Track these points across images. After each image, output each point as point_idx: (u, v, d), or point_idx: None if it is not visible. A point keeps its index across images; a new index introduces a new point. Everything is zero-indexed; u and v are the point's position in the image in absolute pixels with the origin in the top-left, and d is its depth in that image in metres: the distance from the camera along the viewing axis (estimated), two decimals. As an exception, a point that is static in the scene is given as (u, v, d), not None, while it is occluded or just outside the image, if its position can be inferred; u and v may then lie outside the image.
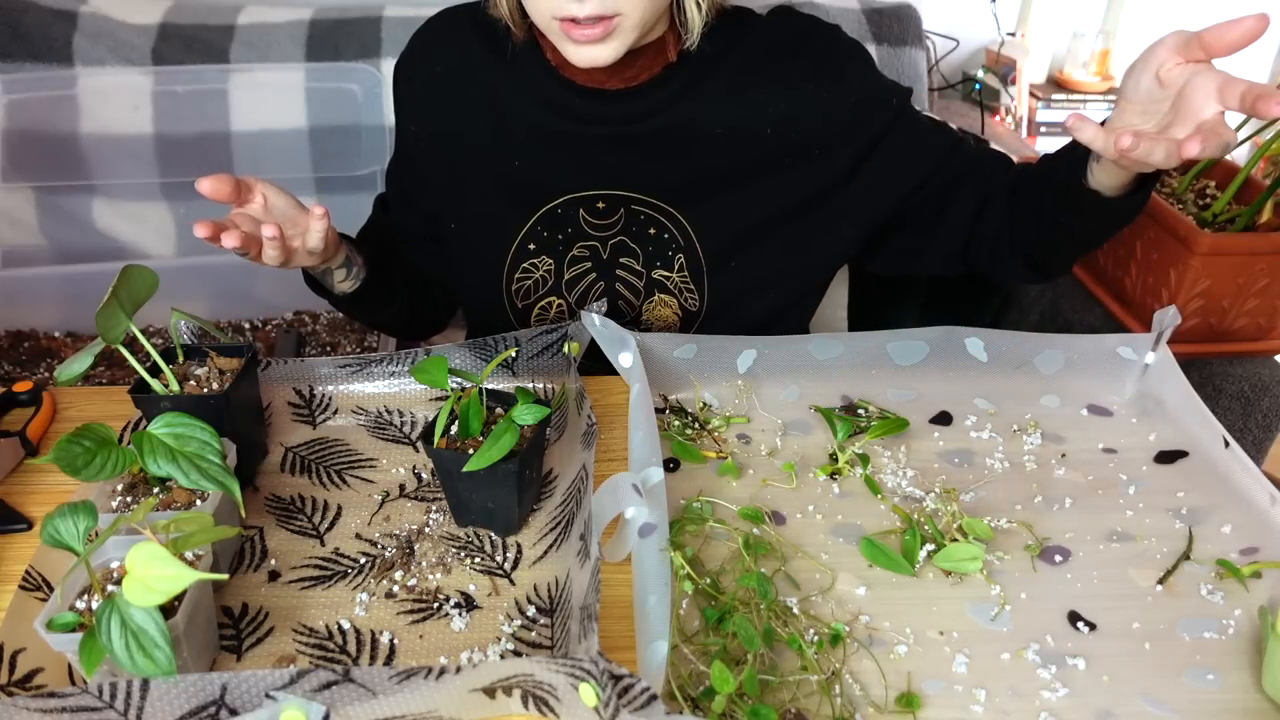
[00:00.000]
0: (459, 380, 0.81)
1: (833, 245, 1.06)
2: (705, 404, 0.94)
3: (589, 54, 0.88)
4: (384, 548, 0.77)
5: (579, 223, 1.02)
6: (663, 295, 1.04)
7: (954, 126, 1.05)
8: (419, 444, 0.88)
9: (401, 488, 0.84)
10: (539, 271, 1.03)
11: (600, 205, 1.01)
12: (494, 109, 1.01)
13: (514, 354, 0.91)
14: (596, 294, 1.04)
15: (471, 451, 0.74)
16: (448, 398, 0.78)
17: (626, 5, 0.85)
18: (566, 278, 1.04)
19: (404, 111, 1.07)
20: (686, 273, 1.02)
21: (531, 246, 1.02)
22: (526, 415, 0.76)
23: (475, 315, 1.18)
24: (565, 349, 0.92)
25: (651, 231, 1.01)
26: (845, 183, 1.01)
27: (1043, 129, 2.09)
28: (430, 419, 0.79)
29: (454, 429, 0.78)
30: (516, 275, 1.04)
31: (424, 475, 0.85)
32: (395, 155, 1.11)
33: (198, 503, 0.71)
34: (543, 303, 1.05)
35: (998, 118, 2.06)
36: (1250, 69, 2.22)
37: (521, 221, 1.02)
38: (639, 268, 1.03)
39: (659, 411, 0.91)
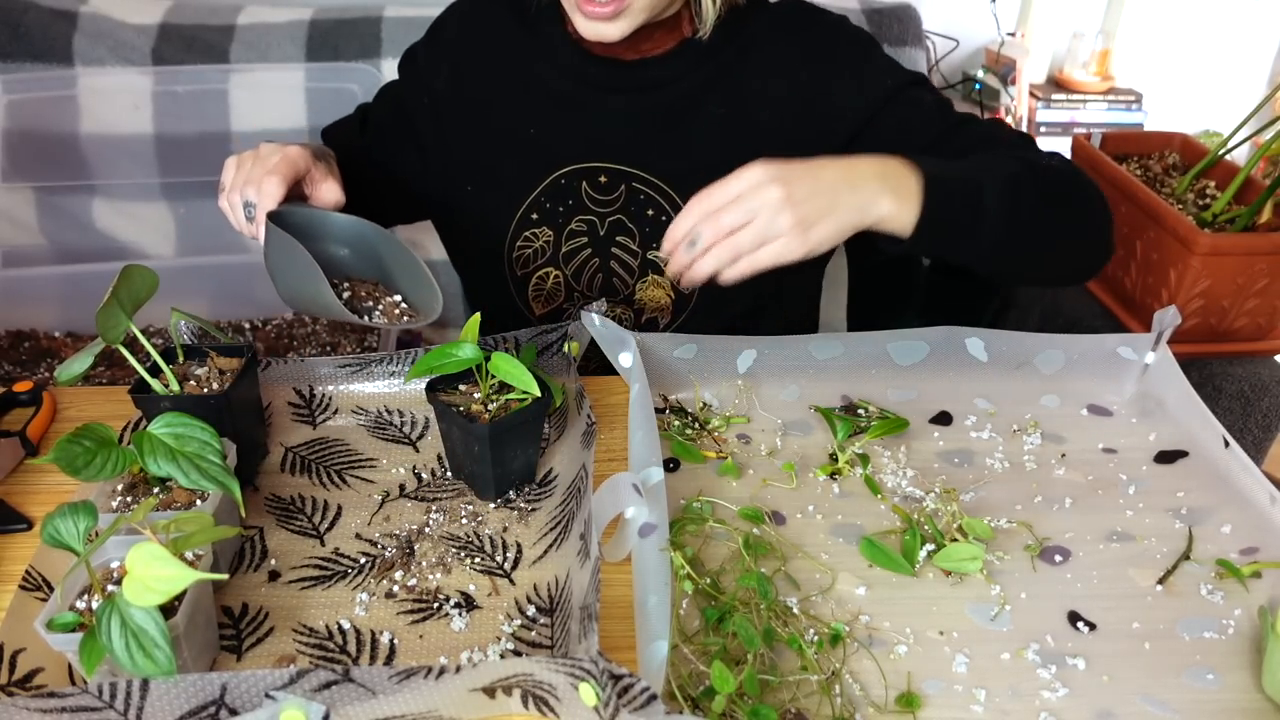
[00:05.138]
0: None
1: None
2: (705, 404, 0.94)
3: (596, 29, 0.91)
4: (384, 548, 0.77)
5: (580, 196, 1.03)
6: (656, 276, 1.05)
7: (968, 112, 1.01)
8: (418, 442, 0.88)
9: (401, 488, 0.84)
10: (538, 242, 1.06)
11: (603, 180, 1.03)
12: (518, 77, 1.04)
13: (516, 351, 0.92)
14: (591, 269, 1.06)
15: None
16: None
17: None
18: (564, 250, 1.05)
19: (430, 69, 1.08)
20: None
21: (534, 216, 1.05)
22: (515, 375, 0.77)
23: (476, 281, 1.19)
24: (565, 349, 0.92)
25: (650, 212, 1.02)
26: None
27: (1043, 129, 2.09)
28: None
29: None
30: (518, 244, 1.06)
31: (424, 475, 0.85)
32: (391, 102, 1.12)
33: (198, 503, 0.71)
34: (540, 273, 1.07)
35: (997, 118, 2.06)
36: (1250, 69, 2.21)
37: (528, 191, 1.04)
38: (634, 247, 1.04)
39: (659, 411, 0.91)
